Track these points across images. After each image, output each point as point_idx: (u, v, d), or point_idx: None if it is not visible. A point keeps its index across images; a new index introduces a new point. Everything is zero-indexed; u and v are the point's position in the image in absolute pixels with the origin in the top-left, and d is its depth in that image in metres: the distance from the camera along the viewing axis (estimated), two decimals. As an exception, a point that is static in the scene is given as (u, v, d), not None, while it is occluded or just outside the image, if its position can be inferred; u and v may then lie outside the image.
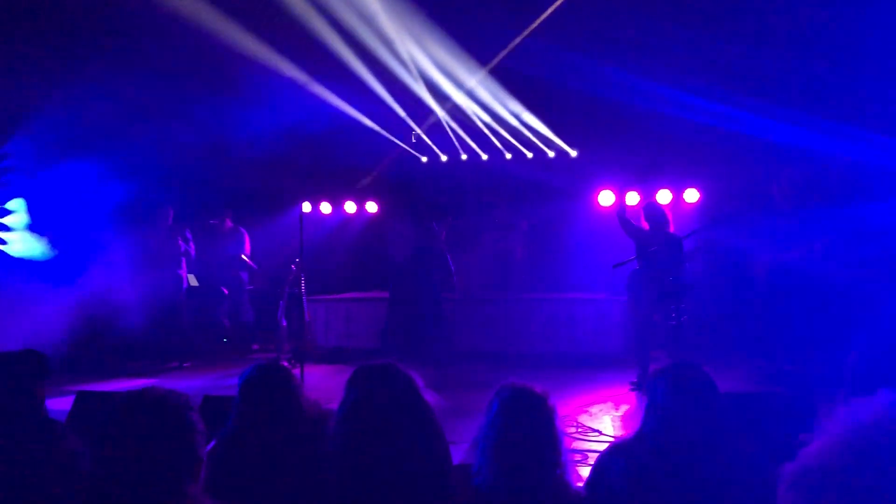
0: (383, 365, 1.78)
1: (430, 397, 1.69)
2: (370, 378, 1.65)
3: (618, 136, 9.86)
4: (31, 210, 9.11)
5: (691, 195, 9.96)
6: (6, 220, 9.12)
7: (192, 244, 9.32)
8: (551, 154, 11.70)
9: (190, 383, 7.75)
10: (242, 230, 10.55)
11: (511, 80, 9.91)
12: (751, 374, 7.56)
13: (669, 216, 7.36)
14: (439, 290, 7.80)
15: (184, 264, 9.25)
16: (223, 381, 7.85)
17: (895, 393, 0.88)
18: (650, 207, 7.58)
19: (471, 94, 10.32)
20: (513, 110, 10.72)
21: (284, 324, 9.72)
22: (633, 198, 10.25)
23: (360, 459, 1.52)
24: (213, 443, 2.62)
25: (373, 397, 1.60)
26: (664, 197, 10.06)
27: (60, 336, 8.14)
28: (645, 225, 7.43)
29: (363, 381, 1.64)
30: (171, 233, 9.10)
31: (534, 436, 2.41)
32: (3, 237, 9.11)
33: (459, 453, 1.76)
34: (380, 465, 1.50)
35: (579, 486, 2.56)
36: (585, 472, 2.61)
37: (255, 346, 10.49)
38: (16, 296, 8.37)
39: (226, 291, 10.33)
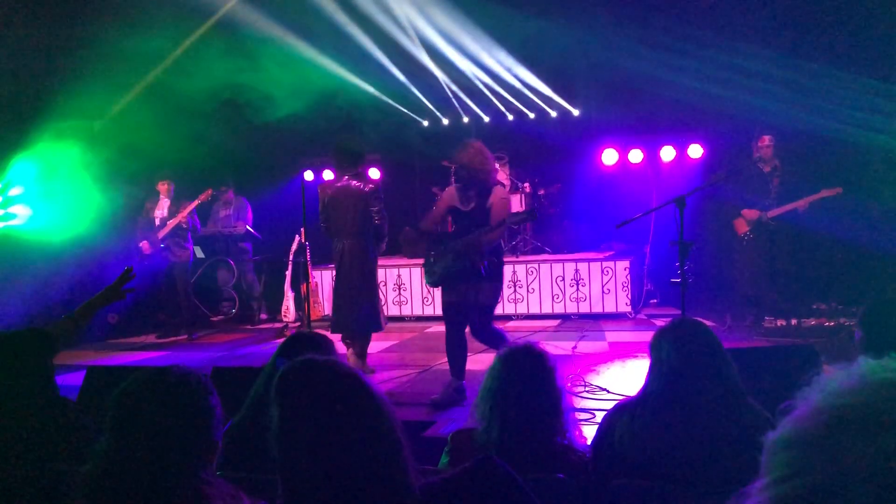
0: (317, 363, 1.55)
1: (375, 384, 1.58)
2: (297, 384, 1.49)
3: (620, 94, 9.75)
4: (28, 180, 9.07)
5: (695, 151, 9.89)
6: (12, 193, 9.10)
7: (196, 216, 9.28)
8: (553, 114, 11.60)
9: (199, 355, 7.79)
10: (245, 200, 10.52)
11: (512, 41, 9.78)
12: (755, 330, 7.57)
13: None
14: None
15: (189, 237, 9.23)
16: (232, 352, 7.90)
17: (874, 360, 0.85)
18: None
19: (472, 57, 10.20)
20: (514, 71, 10.61)
21: (291, 293, 9.76)
22: (636, 155, 10.19)
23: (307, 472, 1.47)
24: (229, 423, 2.60)
25: (308, 406, 1.46)
26: (668, 154, 10.00)
27: (61, 308, 8.15)
28: None
29: (292, 388, 1.48)
30: (177, 205, 9.06)
31: (534, 391, 2.43)
32: (10, 211, 9.10)
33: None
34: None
35: (585, 445, 2.57)
36: (594, 430, 2.62)
37: (264, 316, 10.53)
38: (19, 268, 8.35)
39: (232, 263, 10.35)
